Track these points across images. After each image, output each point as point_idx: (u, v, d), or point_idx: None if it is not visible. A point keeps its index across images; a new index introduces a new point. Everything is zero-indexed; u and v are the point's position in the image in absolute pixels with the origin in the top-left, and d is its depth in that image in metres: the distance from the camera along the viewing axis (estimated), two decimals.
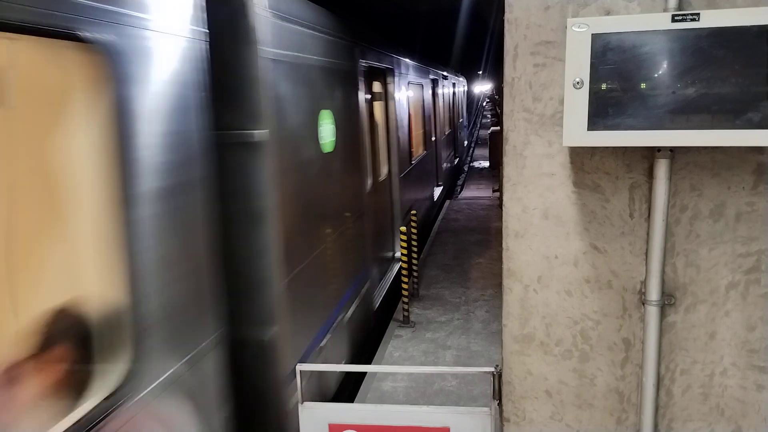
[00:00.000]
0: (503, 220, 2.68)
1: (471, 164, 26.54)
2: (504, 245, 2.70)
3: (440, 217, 12.63)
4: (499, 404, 2.91)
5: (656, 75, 2.04)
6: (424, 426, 3.08)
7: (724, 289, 2.49)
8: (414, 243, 7.52)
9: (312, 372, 4.24)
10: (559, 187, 2.57)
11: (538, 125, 2.54)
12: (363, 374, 5.66)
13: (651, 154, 2.39)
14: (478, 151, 30.15)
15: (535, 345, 2.74)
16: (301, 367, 3.14)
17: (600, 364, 2.69)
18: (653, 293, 2.50)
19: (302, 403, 3.12)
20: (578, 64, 2.09)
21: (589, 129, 2.13)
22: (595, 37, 2.04)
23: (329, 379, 4.91)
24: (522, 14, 2.46)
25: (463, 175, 23.32)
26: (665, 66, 2.03)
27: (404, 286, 6.82)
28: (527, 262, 2.67)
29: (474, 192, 17.08)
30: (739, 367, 2.54)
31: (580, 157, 2.51)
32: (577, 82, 2.10)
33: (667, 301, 2.53)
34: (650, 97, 2.05)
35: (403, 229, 6.88)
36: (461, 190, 18.69)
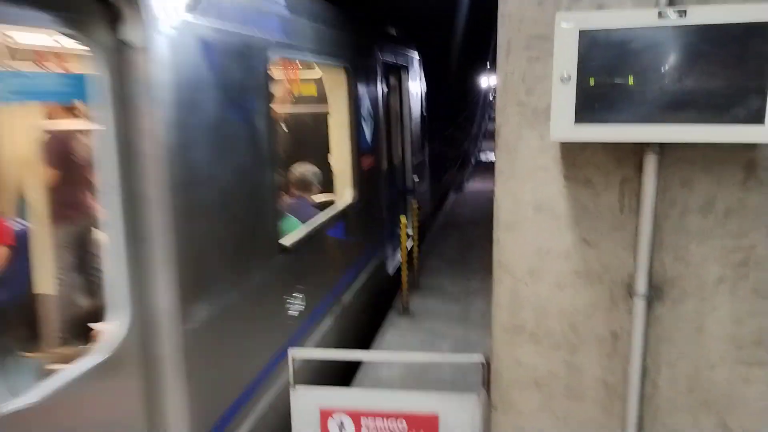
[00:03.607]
0: (494, 212, 2.71)
1: (478, 157, 26.52)
2: (495, 237, 2.73)
3: (445, 209, 12.65)
4: (488, 392, 2.95)
5: (644, 71, 2.06)
6: (414, 412, 3.13)
7: (713, 283, 2.51)
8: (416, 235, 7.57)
9: None
10: (551, 181, 2.60)
11: (531, 118, 2.56)
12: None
13: (641, 149, 2.41)
14: (484, 144, 30.12)
15: (525, 336, 2.77)
16: (293, 352, 3.20)
17: (589, 356, 2.72)
18: (641, 286, 2.53)
19: (293, 386, 3.17)
20: (566, 59, 2.11)
21: (576, 123, 2.15)
22: (583, 33, 2.06)
23: None
24: (515, 8, 2.48)
25: (470, 168, 23.31)
26: (652, 62, 2.04)
27: (404, 276, 6.86)
28: (519, 255, 2.70)
29: (480, 185, 17.09)
30: (726, 361, 2.57)
31: (571, 151, 2.53)
32: (565, 77, 2.12)
33: (655, 294, 2.56)
34: (637, 93, 2.07)
35: (403, 218, 6.92)
36: (467, 183, 18.69)
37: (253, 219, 3.75)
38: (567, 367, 2.75)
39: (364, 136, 6.29)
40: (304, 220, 4.98)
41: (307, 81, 6.65)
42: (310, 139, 6.98)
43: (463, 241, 9.88)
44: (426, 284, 7.80)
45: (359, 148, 6.05)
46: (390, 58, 7.70)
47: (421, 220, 8.67)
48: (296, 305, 4.44)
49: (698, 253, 2.50)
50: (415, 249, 7.62)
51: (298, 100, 6.83)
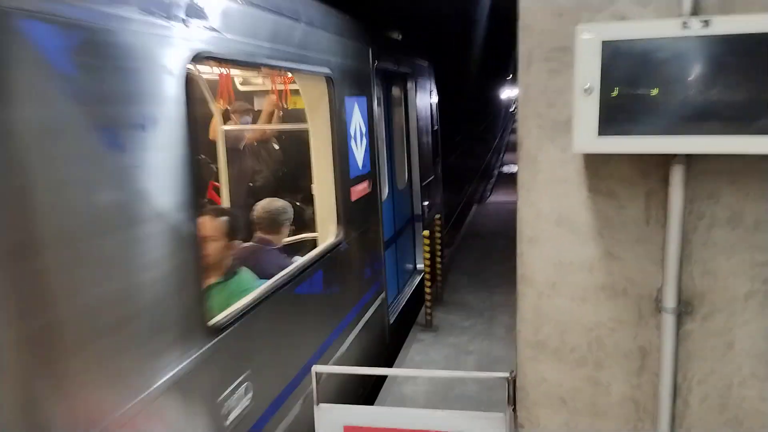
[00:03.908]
0: (517, 225, 2.68)
1: (500, 169, 26.47)
2: (518, 251, 2.70)
3: (467, 221, 12.60)
4: (514, 410, 2.90)
5: (668, 81, 2.02)
6: (439, 430, 3.09)
7: (743, 297, 2.45)
8: (438, 247, 7.53)
9: None
10: (573, 193, 2.56)
11: (552, 131, 2.53)
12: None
13: (666, 161, 2.36)
14: (507, 156, 30.05)
15: (549, 351, 2.73)
16: (316, 368, 3.17)
17: (615, 372, 2.66)
18: (669, 301, 2.47)
19: (318, 404, 3.15)
20: (588, 70, 2.08)
21: (599, 135, 2.12)
22: (605, 44, 2.03)
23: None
24: (535, 21, 2.46)
25: (493, 180, 23.27)
26: (677, 72, 2.01)
27: (427, 290, 6.82)
28: (541, 268, 2.66)
29: (502, 196, 17.00)
30: (758, 377, 2.49)
31: (594, 163, 2.50)
32: (587, 89, 2.09)
33: (684, 309, 2.50)
34: (662, 104, 2.04)
35: (426, 233, 6.89)
36: (490, 195, 18.64)
37: (153, 294, 2.58)
38: (593, 384, 2.70)
39: (355, 158, 5.22)
40: (267, 274, 3.89)
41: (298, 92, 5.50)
42: (293, 164, 6.11)
43: (485, 254, 9.81)
44: (449, 299, 7.75)
45: (347, 173, 5.00)
46: (390, 66, 6.67)
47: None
48: (240, 407, 3.27)
49: (727, 267, 2.44)
50: (437, 268, 7.57)
51: (285, 115, 6.07)
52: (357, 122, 5.26)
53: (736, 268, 2.43)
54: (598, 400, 2.70)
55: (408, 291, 7.48)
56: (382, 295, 6.11)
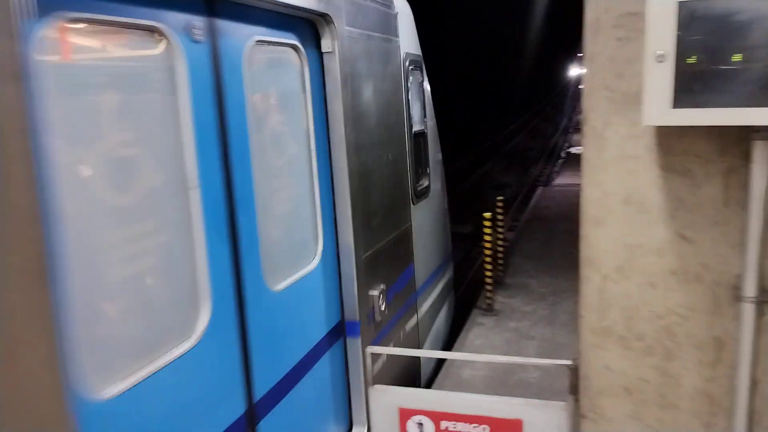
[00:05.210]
0: (581, 205, 2.53)
1: (568, 150, 25.78)
2: (582, 232, 2.56)
3: (531, 204, 12.31)
4: (576, 399, 2.77)
5: (751, 47, 1.83)
6: (497, 417, 2.99)
7: None
8: (500, 230, 7.35)
9: None
10: (643, 170, 2.39)
11: (621, 104, 2.36)
12: None
13: (748, 135, 2.16)
14: (575, 136, 29.23)
15: (614, 339, 2.58)
16: (370, 349, 3.13)
17: (687, 363, 2.49)
18: (750, 289, 2.28)
19: (372, 386, 3.10)
20: (661, 35, 1.91)
21: (674, 107, 1.94)
22: (681, 5, 1.85)
23: None
24: None
25: (560, 161, 22.70)
26: (760, 36, 1.81)
27: (488, 273, 6.69)
28: (606, 251, 2.51)
29: (569, 179, 16.52)
30: None
31: (667, 138, 2.31)
32: (660, 56, 1.92)
33: (765, 298, 2.30)
34: (743, 71, 1.84)
35: (487, 215, 6.73)
36: (557, 176, 18.18)
37: None
38: (661, 374, 2.53)
39: None
40: None
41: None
42: None
43: (550, 237, 9.54)
44: (511, 282, 7.57)
45: None
46: None
47: None
48: None
49: None
50: (499, 251, 7.38)
51: None
52: None
53: None
54: (667, 392, 2.54)
55: None
56: None
